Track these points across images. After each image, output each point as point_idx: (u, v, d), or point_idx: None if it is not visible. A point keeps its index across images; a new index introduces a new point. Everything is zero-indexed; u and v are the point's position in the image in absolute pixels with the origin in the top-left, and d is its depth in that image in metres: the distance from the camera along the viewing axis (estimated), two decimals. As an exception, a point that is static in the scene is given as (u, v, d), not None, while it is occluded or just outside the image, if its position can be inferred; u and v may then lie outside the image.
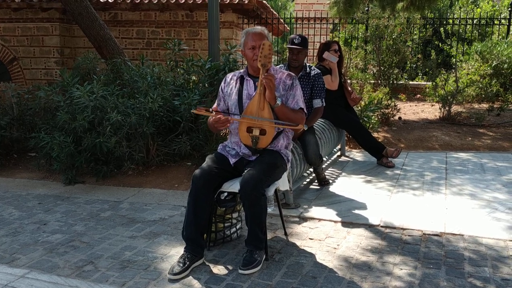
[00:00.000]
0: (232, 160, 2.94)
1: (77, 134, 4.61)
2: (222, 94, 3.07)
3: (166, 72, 5.30)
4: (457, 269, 2.66)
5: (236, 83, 3.01)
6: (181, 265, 2.65)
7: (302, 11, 12.74)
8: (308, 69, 4.14)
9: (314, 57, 9.90)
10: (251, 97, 2.90)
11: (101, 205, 3.98)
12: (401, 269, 2.67)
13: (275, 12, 10.56)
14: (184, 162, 4.97)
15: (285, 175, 3.03)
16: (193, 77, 5.30)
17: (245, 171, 2.77)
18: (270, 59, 2.77)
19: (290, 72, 3.02)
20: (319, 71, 4.18)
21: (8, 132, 5.37)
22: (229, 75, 3.09)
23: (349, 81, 6.69)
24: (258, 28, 2.95)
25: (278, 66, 4.12)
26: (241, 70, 3.06)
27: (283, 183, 3.03)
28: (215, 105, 3.12)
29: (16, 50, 9.24)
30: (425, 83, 9.57)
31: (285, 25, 11.52)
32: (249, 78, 2.97)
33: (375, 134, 5.98)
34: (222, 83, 3.08)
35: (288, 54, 4.15)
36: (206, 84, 5.04)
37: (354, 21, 10.33)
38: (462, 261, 2.75)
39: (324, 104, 4.14)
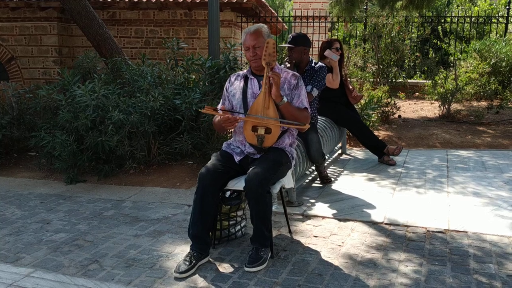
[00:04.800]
0: (237, 158, 2.94)
1: (78, 133, 4.60)
2: (226, 94, 3.06)
3: (167, 70, 5.29)
4: (462, 265, 2.67)
5: (240, 83, 3.00)
6: (187, 263, 2.64)
7: (301, 9, 12.76)
8: (313, 64, 4.16)
9: (314, 55, 9.96)
10: (256, 96, 2.89)
11: (103, 204, 3.97)
12: (407, 266, 2.68)
13: (273, 11, 10.56)
14: (185, 161, 4.97)
15: (290, 172, 3.04)
16: (192, 76, 5.29)
17: (250, 169, 2.76)
18: (274, 57, 2.75)
19: (295, 72, 3.02)
20: (324, 65, 4.16)
21: (8, 131, 5.35)
22: (234, 75, 3.09)
23: (348, 79, 6.69)
24: (254, 26, 2.88)
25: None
26: (245, 70, 3.06)
27: (288, 181, 3.03)
28: (220, 105, 3.11)
29: (14, 49, 9.19)
30: (423, 81, 9.60)
31: (284, 23, 11.53)
32: (253, 77, 2.96)
33: (375, 132, 5.99)
34: (227, 83, 3.08)
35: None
36: (207, 83, 5.04)
37: (352, 19, 10.34)
38: (467, 257, 2.76)
39: (313, 91, 4.02)
